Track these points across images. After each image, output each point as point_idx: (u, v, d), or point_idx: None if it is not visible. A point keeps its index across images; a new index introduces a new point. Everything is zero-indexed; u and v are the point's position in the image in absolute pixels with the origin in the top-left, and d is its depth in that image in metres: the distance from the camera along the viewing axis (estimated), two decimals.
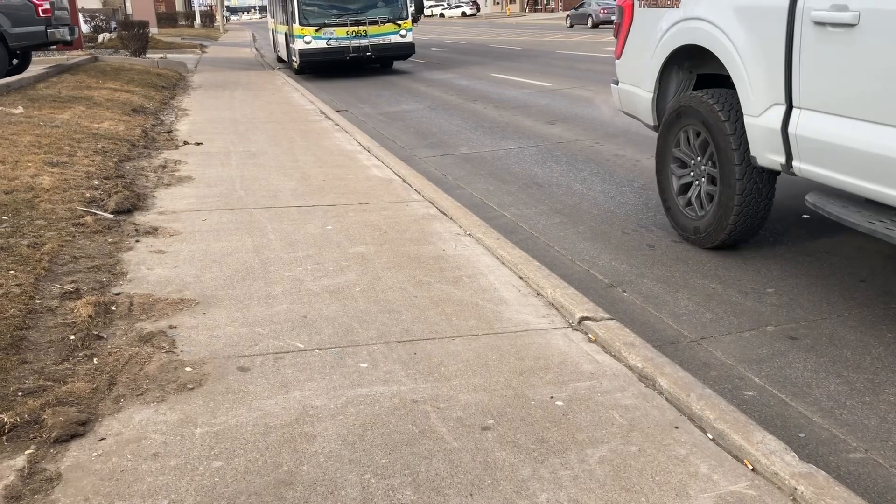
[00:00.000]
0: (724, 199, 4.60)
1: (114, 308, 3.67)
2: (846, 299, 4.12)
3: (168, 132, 9.38)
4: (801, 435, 2.91)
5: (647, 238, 5.33)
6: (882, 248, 4.83)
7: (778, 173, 4.42)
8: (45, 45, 14.33)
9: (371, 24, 18.14)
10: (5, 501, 2.21)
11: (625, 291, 4.41)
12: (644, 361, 3.13)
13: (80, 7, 36.10)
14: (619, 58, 5.96)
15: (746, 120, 4.36)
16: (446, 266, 4.41)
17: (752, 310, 4.05)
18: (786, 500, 2.29)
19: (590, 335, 3.46)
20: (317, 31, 17.89)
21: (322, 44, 17.93)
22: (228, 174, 6.99)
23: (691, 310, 4.09)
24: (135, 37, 19.60)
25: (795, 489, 2.31)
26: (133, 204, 5.63)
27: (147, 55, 20.38)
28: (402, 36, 18.56)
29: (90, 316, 3.45)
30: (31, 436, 2.53)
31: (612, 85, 6.20)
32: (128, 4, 45.71)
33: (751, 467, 2.46)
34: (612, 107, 11.41)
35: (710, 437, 2.63)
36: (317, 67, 18.78)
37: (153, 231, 5.07)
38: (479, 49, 27.53)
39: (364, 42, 18.09)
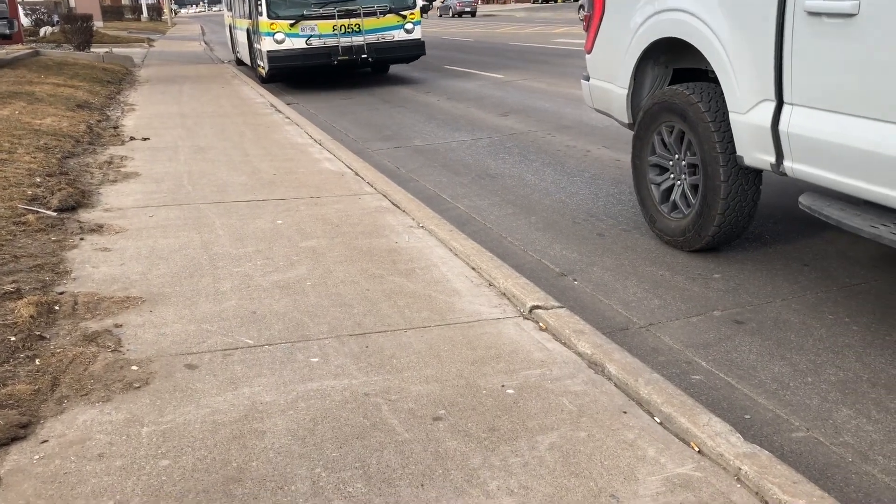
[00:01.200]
0: (708, 202, 4.37)
1: (57, 308, 3.58)
2: (790, 283, 4.22)
3: (114, 128, 9.17)
4: (747, 416, 2.97)
5: (597, 227, 5.39)
6: (825, 233, 4.96)
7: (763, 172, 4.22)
8: None
9: (367, 15, 13.58)
10: None
11: (575, 280, 4.45)
12: (593, 348, 3.17)
13: (20, 0, 35.10)
14: (589, 52, 5.72)
15: (732, 117, 4.12)
16: (399, 259, 4.40)
17: (699, 295, 4.12)
18: (730, 480, 2.34)
19: (541, 324, 3.49)
20: (292, 25, 13.25)
21: (299, 43, 13.39)
22: (176, 169, 6.86)
23: (640, 296, 4.15)
24: (78, 30, 19.10)
25: (740, 469, 2.36)
26: (77, 201, 5.50)
27: (92, 49, 19.90)
28: (408, 31, 14.05)
29: (32, 316, 3.36)
30: None
31: (582, 81, 5.97)
32: None
33: (697, 449, 2.50)
34: (565, 98, 11.52)
35: (658, 420, 2.68)
36: (291, 75, 14.47)
37: (98, 228, 4.96)
38: (431, 41, 27.49)
39: (357, 40, 13.53)
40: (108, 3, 62.13)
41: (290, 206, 5.61)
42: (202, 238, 4.80)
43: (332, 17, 13.50)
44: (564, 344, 3.28)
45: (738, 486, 2.32)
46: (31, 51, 17.80)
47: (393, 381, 2.94)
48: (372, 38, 13.76)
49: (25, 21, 28.96)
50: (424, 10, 15.43)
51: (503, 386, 2.91)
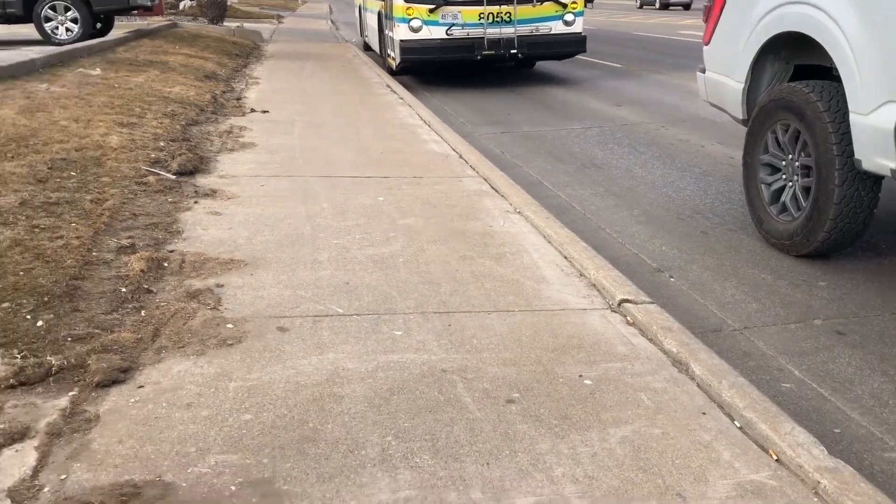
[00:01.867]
0: (820, 206, 4.17)
1: (166, 264, 3.81)
2: None
3: (237, 99, 9.59)
4: (836, 430, 2.84)
5: (702, 224, 5.23)
6: None
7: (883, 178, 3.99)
8: (126, 9, 14.81)
9: (522, 2, 11.52)
10: (47, 437, 2.34)
11: (672, 277, 4.34)
12: (679, 346, 3.10)
13: None
14: (707, 44, 5.58)
15: (853, 118, 3.90)
16: (491, 242, 4.42)
17: (800, 302, 3.94)
18: (807, 492, 2.25)
19: (628, 318, 3.43)
20: (432, 11, 11.38)
21: (439, 33, 11.46)
22: (290, 143, 7.12)
23: (738, 299, 4.01)
24: (213, 5, 20.04)
25: (819, 483, 2.26)
26: (195, 166, 5.80)
27: (224, 23, 20.81)
28: (568, 23, 11.88)
29: (142, 270, 3.59)
30: (76, 379, 2.67)
31: (697, 73, 5.85)
32: None
33: (775, 458, 2.42)
34: (683, 91, 11.17)
35: (738, 425, 2.60)
36: (427, 68, 12.69)
37: (212, 193, 5.22)
38: None
39: (507, 32, 11.46)
40: None
41: (392, 184, 5.72)
42: (307, 209, 4.97)
43: (479, 2, 11.44)
44: (650, 340, 3.22)
45: (815, 500, 2.22)
46: (169, 23, 18.80)
47: (471, 360, 2.98)
48: (525, 29, 11.59)
49: None
50: None
51: (581, 376, 2.89)
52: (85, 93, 7.72)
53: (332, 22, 32.59)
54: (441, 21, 11.47)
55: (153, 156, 5.89)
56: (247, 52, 15.92)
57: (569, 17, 11.89)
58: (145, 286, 3.50)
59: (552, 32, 11.83)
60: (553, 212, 5.21)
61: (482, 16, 11.48)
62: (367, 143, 7.20)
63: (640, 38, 21.64)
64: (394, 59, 12.45)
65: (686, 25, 25.56)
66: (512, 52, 11.62)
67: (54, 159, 5.29)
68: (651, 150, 7.58)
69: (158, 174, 5.45)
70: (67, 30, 13.56)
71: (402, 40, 11.61)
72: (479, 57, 11.56)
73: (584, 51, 12.27)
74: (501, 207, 5.16)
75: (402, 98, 10.34)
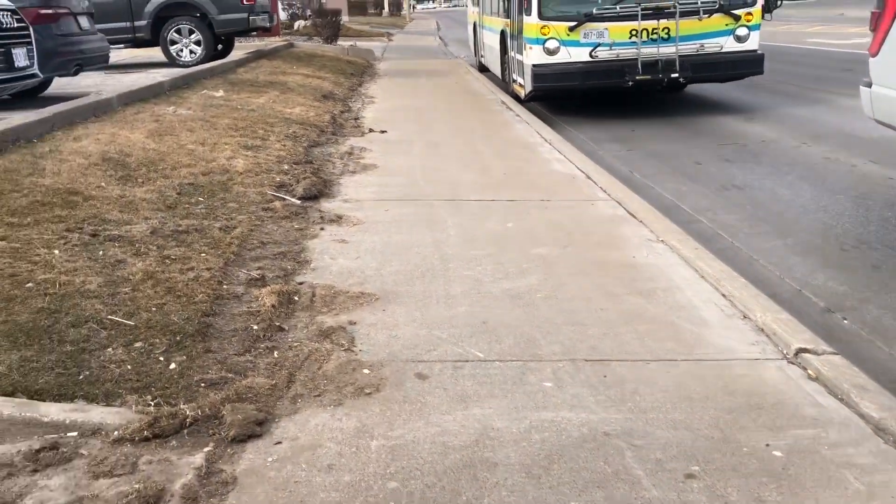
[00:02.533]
0: None
1: (296, 298, 3.64)
2: None
3: (355, 119, 9.55)
4: None
5: (871, 257, 4.67)
6: None
7: None
8: (246, 31, 15.19)
9: (685, 15, 9.44)
10: (182, 501, 2.16)
11: (845, 319, 3.85)
12: (881, 411, 2.65)
13: None
14: (874, 55, 5.11)
15: None
16: (637, 276, 4.05)
17: None
18: None
19: (810, 371, 2.99)
20: (572, 29, 9.54)
21: (580, 54, 9.61)
22: (410, 164, 6.94)
23: None
24: (327, 24, 20.42)
25: None
26: (319, 190, 5.69)
27: (338, 42, 21.16)
28: (740, 39, 9.81)
29: (273, 306, 3.43)
30: (211, 432, 2.49)
31: (861, 88, 5.35)
32: None
33: None
34: (821, 104, 10.39)
35: None
36: (565, 95, 10.99)
37: (337, 220, 5.07)
38: None
39: (667, 51, 9.45)
40: None
41: (519, 208, 5.43)
42: (434, 236, 4.74)
43: (632, 17, 9.47)
44: (842, 400, 2.78)
45: None
46: (286, 43, 19.25)
47: (636, 421, 2.63)
48: (688, 47, 9.58)
49: (283, 15, 31.55)
50: (769, 7, 10.31)
51: (768, 445, 2.49)
52: (209, 115, 7.81)
53: (440, 39, 32.78)
54: (583, 41, 9.61)
55: (278, 179, 5.82)
56: (361, 70, 16.05)
57: (742, 32, 9.77)
58: (277, 323, 3.32)
59: (722, 51, 9.74)
60: (698, 240, 4.78)
61: (635, 33, 9.52)
62: (487, 163, 6.94)
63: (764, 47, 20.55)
64: (522, 85, 10.72)
65: (814, 33, 24.18)
66: (672, 76, 9.56)
67: (182, 184, 5.28)
68: (795, 169, 6.98)
69: (284, 199, 5.36)
70: (191, 52, 14.01)
71: (534, 65, 9.86)
72: (630, 83, 9.60)
73: (761, 72, 10.11)
74: (642, 235, 4.77)
75: (518, 115, 10.06)
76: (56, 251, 3.68)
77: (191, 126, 7.12)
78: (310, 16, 26.34)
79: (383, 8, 65.85)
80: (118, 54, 16.04)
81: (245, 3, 14.22)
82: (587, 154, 7.61)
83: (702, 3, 9.54)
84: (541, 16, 9.73)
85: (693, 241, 4.59)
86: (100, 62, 9.86)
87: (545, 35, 9.68)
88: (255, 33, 17.21)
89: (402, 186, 6.07)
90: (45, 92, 9.72)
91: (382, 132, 8.61)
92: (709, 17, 9.63)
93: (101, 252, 3.76)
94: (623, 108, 11.13)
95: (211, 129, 7.14)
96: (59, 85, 10.10)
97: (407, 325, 3.42)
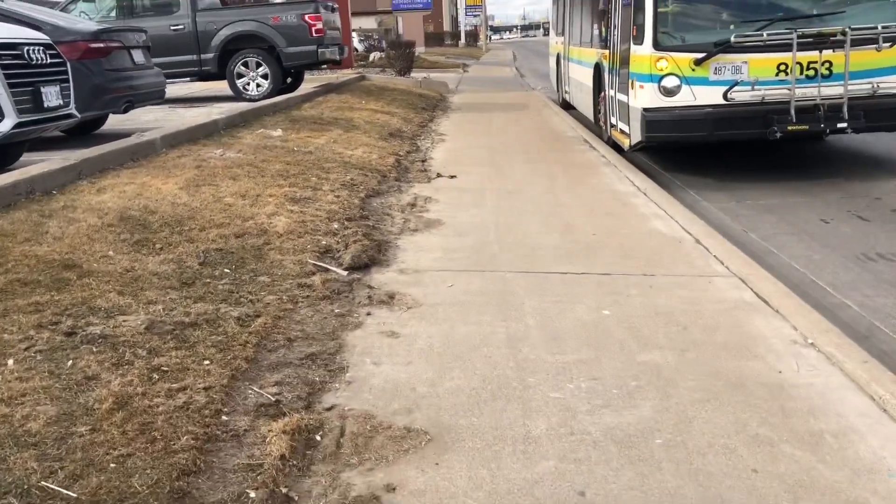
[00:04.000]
0: None
1: (318, 438, 2.65)
2: None
3: (422, 161, 8.64)
4: None
5: None
6: None
7: None
8: (315, 64, 14.56)
9: (857, 44, 7.16)
10: None
11: None
12: None
13: (357, 27, 38.36)
14: None
15: None
16: (791, 407, 2.91)
17: None
18: None
19: None
20: (699, 63, 7.42)
21: (709, 96, 7.45)
22: (482, 219, 5.94)
23: None
24: (401, 56, 19.74)
25: None
26: (371, 257, 4.74)
27: (411, 74, 20.48)
28: None
29: (283, 456, 2.45)
30: None
31: None
32: (400, 24, 48.06)
33: None
34: None
35: None
36: (684, 146, 8.67)
37: (388, 300, 4.09)
38: None
39: (832, 92, 7.28)
40: (431, 30, 66.50)
41: (616, 286, 4.35)
42: (508, 329, 3.71)
43: (783, 46, 7.20)
44: None
45: None
46: (357, 75, 18.66)
47: None
48: (860, 87, 7.25)
49: (360, 46, 31.31)
50: None
51: None
52: (260, 159, 7.01)
53: (516, 69, 31.94)
54: (713, 78, 7.34)
55: (324, 242, 4.89)
56: (433, 104, 15.23)
57: None
58: (283, 489, 2.33)
59: None
60: (851, 336, 3.62)
61: (785, 68, 7.23)
62: (571, 220, 5.87)
63: None
64: (625, 133, 8.53)
65: None
66: (839, 125, 7.29)
67: (208, 250, 4.41)
68: None
69: (327, 270, 4.42)
70: (258, 85, 13.44)
71: (645, 109, 7.65)
72: (777, 135, 7.27)
73: None
74: (783, 334, 3.62)
75: (604, 156, 8.97)
76: (10, 361, 2.80)
77: (235, 173, 6.31)
78: (384, 48, 25.87)
79: (459, 39, 65.67)
80: (189, 87, 15.69)
81: (314, 35, 13.59)
82: (689, 207, 6.48)
83: (882, 27, 7.10)
84: (656, 45, 7.54)
85: (859, 351, 3.41)
86: (154, 98, 9.25)
87: (662, 71, 7.52)
88: (326, 65, 16.63)
89: (470, 251, 5.07)
90: (102, 128, 9.17)
91: (451, 177, 7.65)
92: (890, 46, 7.21)
93: (69, 362, 2.86)
94: (718, 150, 9.88)
95: (258, 177, 6.31)
96: (119, 120, 9.55)
97: (467, 495, 2.38)
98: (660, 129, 7.72)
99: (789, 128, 7.27)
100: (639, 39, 7.90)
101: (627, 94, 8.38)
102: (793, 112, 7.22)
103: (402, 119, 11.86)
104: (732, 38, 7.24)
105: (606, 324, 3.78)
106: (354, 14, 64.59)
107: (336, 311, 3.88)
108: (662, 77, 7.54)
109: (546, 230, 5.60)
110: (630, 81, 8.26)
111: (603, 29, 9.99)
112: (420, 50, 43.05)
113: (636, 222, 5.86)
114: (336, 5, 14.83)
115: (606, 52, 9.63)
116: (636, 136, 8.07)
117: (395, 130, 10.60)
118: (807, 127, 7.30)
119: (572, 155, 9.17)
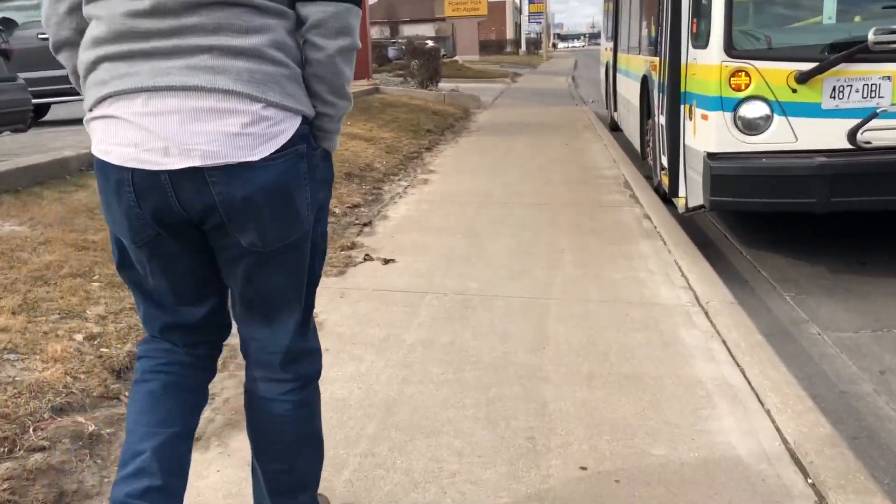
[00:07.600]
0: None
1: None
2: None
3: (365, 224, 5.81)
4: None
5: None
6: None
7: None
8: None
9: None
10: None
11: None
12: None
13: (401, 35, 35.85)
14: None
15: None
16: None
17: None
18: None
19: None
20: (804, 78, 4.25)
21: (826, 133, 4.31)
22: (393, 378, 3.06)
23: None
24: (422, 66, 16.88)
25: None
26: None
27: (439, 85, 17.63)
28: None
29: None
30: None
31: None
32: (457, 31, 45.39)
33: None
34: None
35: None
36: (773, 212, 5.51)
37: None
38: None
39: None
40: (492, 38, 63.70)
41: None
42: None
43: None
44: None
45: None
46: (371, 87, 15.99)
47: None
48: None
49: (391, 53, 28.73)
50: None
51: None
52: (68, 236, 4.27)
53: (572, 79, 28.87)
54: (830, 105, 4.35)
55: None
56: (446, 124, 12.37)
57: None
58: None
59: None
60: None
61: None
62: (569, 364, 2.93)
63: None
64: (684, 190, 5.23)
65: None
66: None
67: None
68: None
69: None
70: None
71: (711, 154, 4.60)
72: None
73: None
74: None
75: (647, 216, 5.99)
76: None
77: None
78: (404, 56, 23.07)
79: (520, 46, 62.66)
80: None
81: None
82: (783, 335, 3.47)
83: None
84: (729, 48, 4.49)
85: None
86: (13, 122, 6.66)
87: (739, 91, 4.46)
88: None
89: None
90: None
91: (386, 262, 4.79)
92: None
93: None
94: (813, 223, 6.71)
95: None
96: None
97: None
98: (734, 190, 4.57)
99: None
100: (700, 40, 4.76)
101: (684, 127, 5.15)
102: None
103: (385, 147, 9.04)
104: (871, 36, 4.13)
105: None
106: (411, 21, 62.30)
107: None
108: (740, 101, 4.46)
109: (510, 405, 2.68)
110: (687, 107, 5.07)
111: (653, 28, 6.76)
112: (473, 58, 40.26)
113: (683, 372, 2.90)
114: None
115: (656, 60, 6.29)
116: (696, 197, 4.91)
117: (363, 166, 7.79)
118: None
119: (599, 213, 6.19)
